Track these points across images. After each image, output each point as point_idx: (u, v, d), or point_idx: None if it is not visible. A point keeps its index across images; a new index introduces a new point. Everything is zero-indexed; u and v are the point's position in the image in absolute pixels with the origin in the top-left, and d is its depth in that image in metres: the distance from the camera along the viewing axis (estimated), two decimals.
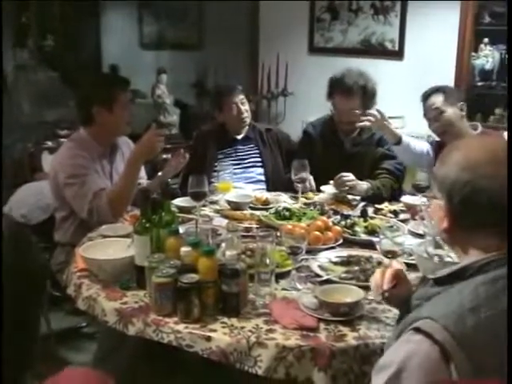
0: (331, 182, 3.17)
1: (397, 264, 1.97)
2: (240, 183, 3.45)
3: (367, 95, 3.36)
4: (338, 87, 3.37)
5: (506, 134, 3.22)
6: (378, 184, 3.23)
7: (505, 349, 1.19)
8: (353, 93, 3.31)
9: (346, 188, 3.14)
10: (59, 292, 2.94)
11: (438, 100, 3.18)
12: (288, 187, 3.30)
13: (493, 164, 1.31)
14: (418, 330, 1.23)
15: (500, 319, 1.22)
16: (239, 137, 3.63)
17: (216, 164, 3.53)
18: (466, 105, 3.20)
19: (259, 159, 3.61)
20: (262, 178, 3.59)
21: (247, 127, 3.64)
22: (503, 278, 1.27)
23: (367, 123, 3.14)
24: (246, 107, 3.56)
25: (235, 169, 3.54)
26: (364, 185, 3.19)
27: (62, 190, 2.87)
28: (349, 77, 3.34)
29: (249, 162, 3.60)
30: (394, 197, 3.24)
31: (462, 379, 1.17)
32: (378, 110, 3.15)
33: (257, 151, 3.63)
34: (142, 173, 3.14)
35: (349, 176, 3.14)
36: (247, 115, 3.58)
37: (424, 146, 3.29)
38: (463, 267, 1.35)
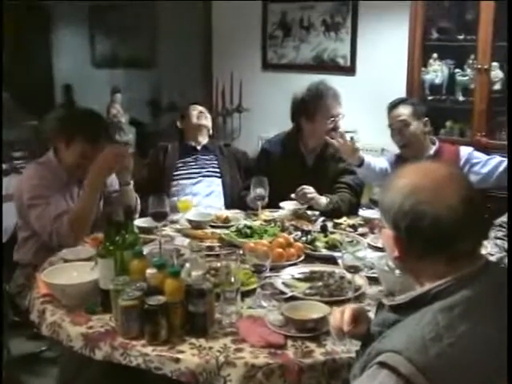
0: (292, 195, 3.18)
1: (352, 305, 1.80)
2: (198, 196, 3.57)
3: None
4: (327, 94, 3.45)
5: (462, 147, 3.32)
6: (336, 198, 3.27)
7: (472, 374, 1.21)
8: (339, 97, 3.47)
9: (307, 200, 3.17)
10: (18, 317, 2.90)
11: (405, 112, 3.27)
12: (241, 205, 3.38)
13: (433, 189, 1.32)
14: (382, 365, 1.23)
15: (462, 344, 1.23)
16: (199, 147, 3.78)
17: (175, 174, 3.66)
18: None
19: (218, 170, 3.74)
20: (220, 189, 3.70)
21: (207, 138, 3.80)
22: (459, 305, 1.28)
23: (336, 143, 3.20)
24: (206, 115, 3.82)
25: (195, 177, 3.68)
26: (323, 199, 3.22)
27: (26, 210, 2.84)
28: (326, 85, 3.48)
29: (208, 171, 3.72)
30: (352, 211, 3.29)
31: None
32: (351, 137, 3.22)
33: (215, 162, 3.77)
34: (115, 181, 3.10)
35: (310, 189, 3.17)
36: (207, 123, 3.81)
37: (383, 164, 3.37)
38: (419, 295, 1.35)
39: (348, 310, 1.62)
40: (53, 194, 2.84)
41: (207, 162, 3.75)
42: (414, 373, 1.18)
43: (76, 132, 2.91)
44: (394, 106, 3.35)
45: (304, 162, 3.48)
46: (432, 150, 3.32)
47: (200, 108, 3.85)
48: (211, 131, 3.88)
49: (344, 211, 3.23)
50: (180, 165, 3.71)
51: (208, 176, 3.71)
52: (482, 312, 1.29)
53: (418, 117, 3.28)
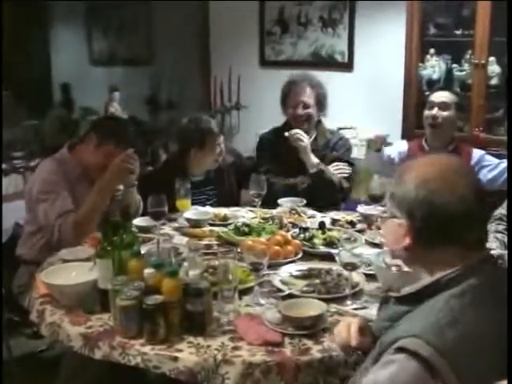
0: (286, 133, 3.32)
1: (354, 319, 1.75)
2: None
3: (320, 93, 3.48)
4: (292, 84, 3.50)
5: (475, 149, 3.38)
6: (329, 169, 3.36)
7: (486, 358, 1.26)
8: (306, 86, 3.45)
9: (298, 146, 3.31)
10: (19, 316, 2.91)
11: (450, 97, 3.36)
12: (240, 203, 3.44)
13: (445, 180, 1.38)
14: (400, 350, 1.26)
15: (475, 329, 1.28)
16: (199, 178, 3.49)
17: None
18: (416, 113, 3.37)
19: (215, 200, 3.53)
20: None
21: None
22: (468, 292, 1.32)
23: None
24: (223, 147, 3.50)
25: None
26: (315, 159, 3.34)
27: (35, 203, 2.86)
28: (301, 75, 3.53)
29: (205, 199, 3.49)
30: (336, 196, 3.44)
31: None
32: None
33: (214, 193, 3.55)
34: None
35: (304, 136, 3.33)
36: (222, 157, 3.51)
37: (391, 152, 3.42)
38: (430, 284, 1.39)
39: (354, 324, 1.60)
40: (62, 190, 2.86)
41: (206, 195, 3.50)
42: (434, 354, 1.22)
43: (111, 135, 2.96)
44: (441, 88, 3.51)
45: (297, 152, 3.47)
46: (451, 146, 3.38)
47: (221, 138, 3.47)
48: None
49: (329, 182, 3.33)
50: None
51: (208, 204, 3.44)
52: (487, 300, 1.34)
53: (458, 108, 3.36)
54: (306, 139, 3.34)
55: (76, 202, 2.89)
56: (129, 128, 3.17)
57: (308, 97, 3.45)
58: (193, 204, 3.19)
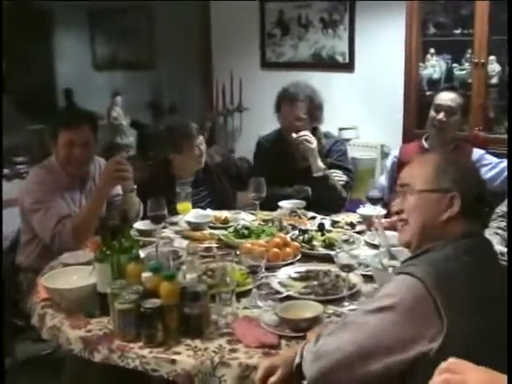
0: (294, 135, 3.32)
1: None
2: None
3: (313, 105, 3.45)
4: (283, 97, 3.48)
5: (475, 149, 3.40)
6: (331, 175, 3.36)
7: (475, 290, 1.45)
8: (297, 98, 3.41)
9: (305, 148, 3.32)
10: (22, 321, 2.93)
11: (457, 100, 3.37)
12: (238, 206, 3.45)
13: (461, 166, 1.69)
14: (407, 274, 1.47)
15: (468, 268, 1.49)
16: (189, 180, 3.49)
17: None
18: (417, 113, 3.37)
19: (209, 199, 3.55)
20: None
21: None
22: (464, 245, 1.55)
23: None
24: (203, 147, 3.50)
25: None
26: (321, 163, 3.34)
27: (28, 214, 2.89)
28: (294, 87, 3.47)
29: (202, 204, 3.48)
30: (339, 203, 3.41)
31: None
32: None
33: (207, 193, 3.57)
34: (118, 186, 3.08)
35: (312, 139, 3.33)
36: (204, 157, 3.52)
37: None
38: (432, 246, 1.59)
39: (276, 374, 1.64)
40: (54, 198, 2.88)
41: (198, 196, 3.50)
42: (427, 278, 1.42)
43: (59, 125, 2.97)
44: (448, 88, 3.48)
45: (293, 158, 3.49)
46: (451, 145, 3.39)
47: (200, 138, 3.47)
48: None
49: (332, 187, 3.34)
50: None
51: (201, 207, 3.41)
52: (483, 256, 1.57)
53: (462, 111, 3.39)
54: (314, 141, 3.33)
55: (69, 207, 2.92)
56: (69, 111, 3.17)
57: (299, 111, 3.41)
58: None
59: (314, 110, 3.46)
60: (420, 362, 1.39)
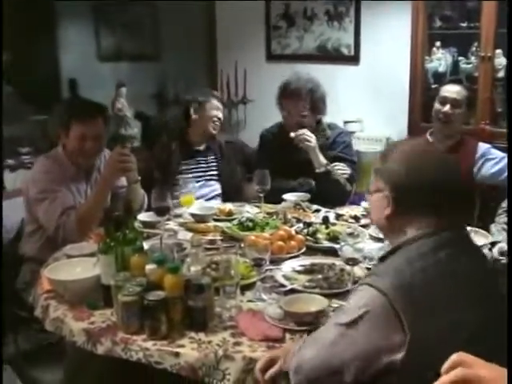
0: (292, 134, 3.31)
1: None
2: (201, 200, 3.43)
3: (315, 98, 3.42)
4: (285, 93, 3.45)
5: (480, 143, 3.38)
6: (334, 169, 3.33)
7: (439, 293, 1.43)
8: (300, 94, 3.38)
9: (305, 147, 3.30)
10: (26, 312, 2.93)
11: (463, 93, 3.34)
12: (244, 197, 3.43)
13: (420, 157, 1.60)
14: (362, 284, 1.52)
15: (432, 270, 1.46)
16: (201, 148, 3.63)
17: (178, 178, 3.49)
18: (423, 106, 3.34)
19: (217, 173, 3.62)
20: (219, 192, 3.61)
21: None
22: (439, 240, 1.52)
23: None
24: (221, 113, 3.60)
25: (197, 181, 3.54)
26: (323, 159, 3.32)
27: (33, 204, 2.88)
28: (295, 82, 3.43)
29: (210, 175, 3.61)
30: (343, 197, 3.40)
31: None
32: None
33: (215, 165, 3.64)
34: (122, 178, 3.09)
35: (312, 137, 3.30)
36: (222, 116, 3.62)
37: None
38: (402, 242, 1.57)
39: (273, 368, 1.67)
40: (59, 188, 2.87)
41: (209, 164, 3.61)
42: (393, 292, 1.41)
43: (72, 117, 2.94)
44: (454, 81, 3.46)
45: (297, 151, 3.43)
46: (456, 139, 3.37)
47: (219, 98, 3.69)
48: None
49: (335, 182, 3.32)
50: (183, 167, 3.54)
51: (209, 180, 3.58)
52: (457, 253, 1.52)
53: (468, 104, 3.36)
54: (313, 139, 3.30)
55: (74, 198, 2.92)
56: (86, 104, 3.16)
57: (302, 108, 3.40)
58: (197, 170, 3.50)
59: (317, 103, 3.43)
60: (389, 372, 1.40)
